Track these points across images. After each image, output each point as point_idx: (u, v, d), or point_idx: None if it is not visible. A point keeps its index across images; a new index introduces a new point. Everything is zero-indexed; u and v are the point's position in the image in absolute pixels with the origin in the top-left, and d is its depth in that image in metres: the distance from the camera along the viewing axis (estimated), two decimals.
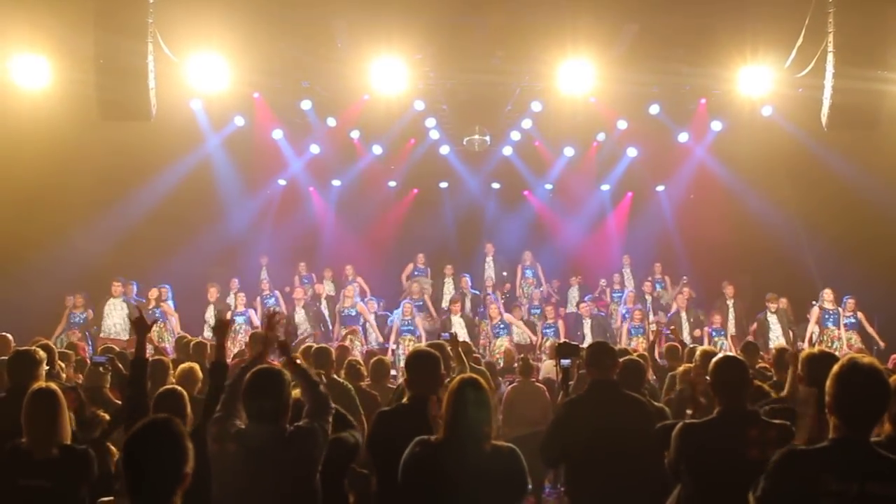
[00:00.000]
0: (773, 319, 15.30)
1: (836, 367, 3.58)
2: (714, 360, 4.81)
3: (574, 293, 17.72)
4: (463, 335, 14.67)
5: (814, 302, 15.19)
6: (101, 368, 6.97)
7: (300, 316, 15.76)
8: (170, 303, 15.74)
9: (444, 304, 17.01)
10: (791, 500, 3.45)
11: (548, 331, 15.68)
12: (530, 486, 4.76)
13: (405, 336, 15.39)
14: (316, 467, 4.59)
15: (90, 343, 14.38)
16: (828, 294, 15.11)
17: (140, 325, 5.66)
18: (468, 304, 16.77)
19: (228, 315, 15.34)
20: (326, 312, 16.07)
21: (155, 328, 14.55)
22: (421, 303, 16.60)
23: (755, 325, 15.60)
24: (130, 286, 15.89)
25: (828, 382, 3.57)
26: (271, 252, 18.14)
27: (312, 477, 4.58)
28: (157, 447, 3.23)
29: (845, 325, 14.94)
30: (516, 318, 15.91)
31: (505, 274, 18.20)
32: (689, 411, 5.24)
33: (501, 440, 4.52)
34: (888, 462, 3.42)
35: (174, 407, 5.11)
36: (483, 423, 4.29)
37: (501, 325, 15.40)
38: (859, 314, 15.01)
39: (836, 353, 6.24)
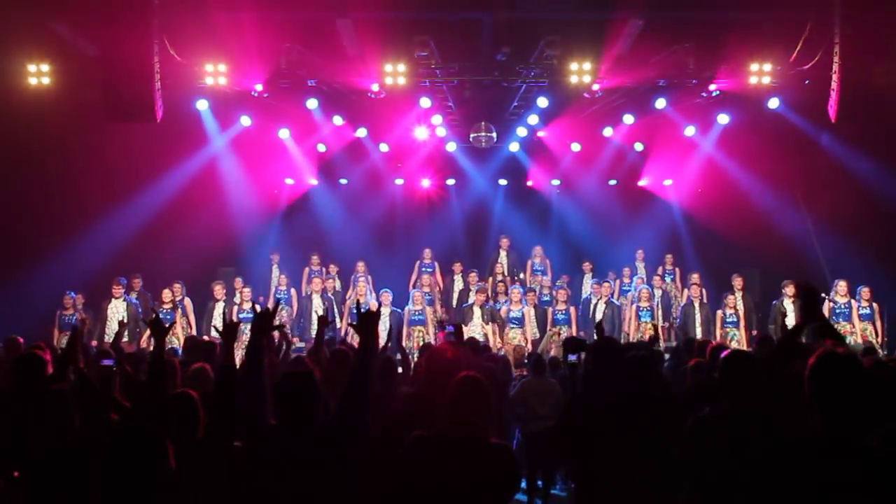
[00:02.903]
0: (790, 308, 15.04)
1: (812, 360, 3.56)
2: (723, 355, 4.78)
3: (587, 280, 17.67)
4: (479, 330, 14.71)
5: (823, 295, 15.07)
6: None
7: (316, 303, 15.79)
8: (188, 299, 15.80)
9: (454, 302, 16.99)
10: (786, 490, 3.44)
11: (559, 317, 15.64)
12: (523, 484, 4.78)
13: (415, 327, 15.40)
14: (353, 466, 4.52)
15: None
16: (841, 287, 14.90)
17: (157, 328, 5.61)
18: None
19: (234, 313, 15.39)
20: (335, 307, 16.06)
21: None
22: (430, 297, 16.55)
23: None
24: (137, 280, 15.93)
25: (806, 374, 3.55)
26: (279, 251, 18.13)
27: (350, 475, 4.52)
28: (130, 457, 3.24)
29: (860, 315, 14.83)
30: (530, 302, 15.90)
31: (515, 270, 18.18)
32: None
33: (500, 437, 4.54)
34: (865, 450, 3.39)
35: (187, 410, 5.07)
36: (479, 421, 4.32)
37: (518, 316, 15.41)
38: (875, 305, 14.93)
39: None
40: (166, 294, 15.37)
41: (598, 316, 15.66)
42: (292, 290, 16.75)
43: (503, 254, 18.08)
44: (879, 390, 4.21)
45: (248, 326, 14.35)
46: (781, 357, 4.55)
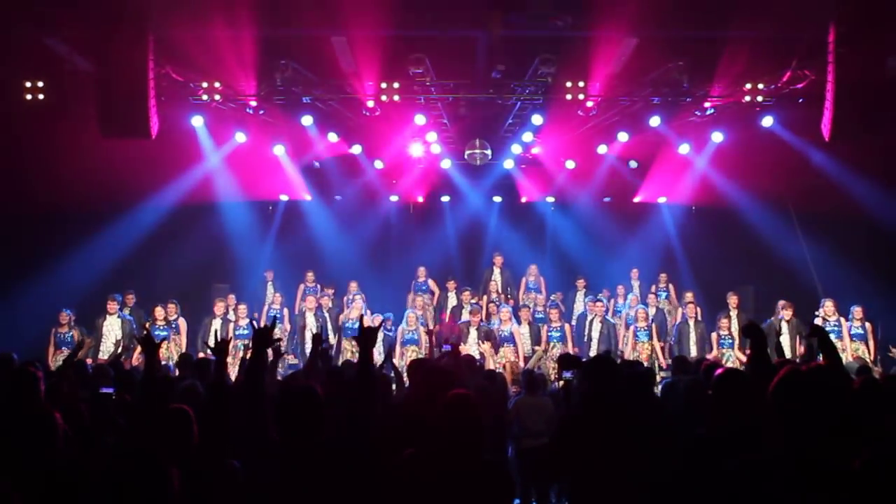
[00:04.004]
0: (785, 328, 15.09)
1: (775, 379, 3.54)
2: (716, 374, 4.79)
3: (580, 297, 17.71)
4: (475, 349, 14.69)
5: (816, 314, 15.09)
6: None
7: (310, 321, 15.78)
8: (182, 319, 15.76)
9: (446, 319, 17.00)
10: None
11: (553, 334, 15.69)
12: (517, 501, 4.77)
13: (408, 346, 15.37)
14: (359, 480, 4.48)
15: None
16: (828, 307, 14.94)
17: (148, 344, 5.61)
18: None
19: (230, 330, 15.38)
20: (329, 325, 16.06)
21: (164, 346, 14.61)
22: (423, 320, 16.51)
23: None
24: (130, 296, 15.90)
25: (769, 393, 3.52)
26: (273, 267, 18.13)
27: (356, 490, 4.47)
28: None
29: (851, 335, 14.82)
30: (524, 318, 15.90)
31: (509, 288, 18.18)
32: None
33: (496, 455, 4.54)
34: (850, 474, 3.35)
35: (181, 427, 5.04)
36: (470, 439, 4.31)
37: (507, 335, 15.39)
38: (867, 325, 14.90)
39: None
40: (159, 312, 15.36)
41: (595, 334, 15.67)
42: (285, 310, 16.72)
43: (497, 271, 18.08)
44: (866, 409, 4.18)
45: (244, 343, 14.43)
46: (759, 377, 4.57)
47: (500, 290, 17.61)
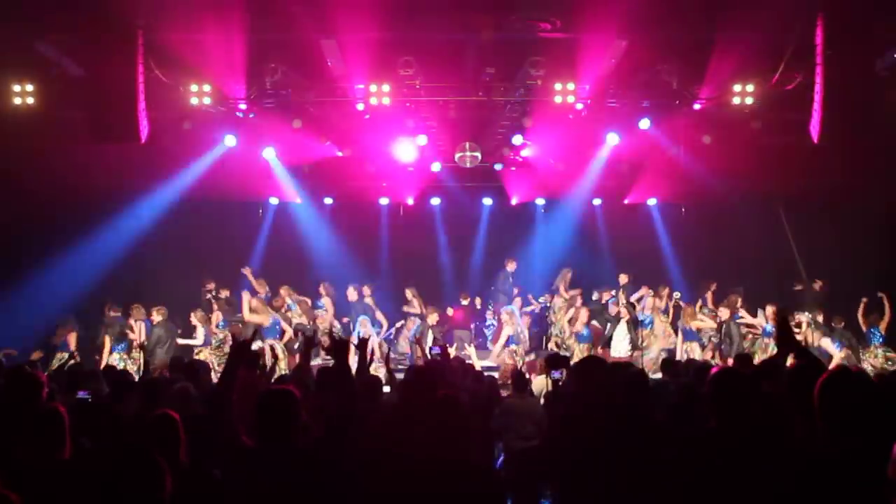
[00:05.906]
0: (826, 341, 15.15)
1: (823, 376, 3.59)
2: (712, 373, 4.78)
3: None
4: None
5: (807, 314, 15.16)
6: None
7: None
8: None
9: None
10: None
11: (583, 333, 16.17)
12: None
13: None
14: (337, 489, 4.44)
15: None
16: (769, 312, 15.16)
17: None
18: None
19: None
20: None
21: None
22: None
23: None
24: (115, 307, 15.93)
25: (816, 390, 3.57)
26: (262, 271, 18.12)
27: (333, 499, 4.43)
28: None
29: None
30: (524, 324, 16.09)
31: (516, 291, 18.25)
32: None
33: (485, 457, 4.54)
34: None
35: (167, 431, 5.01)
36: (457, 442, 4.30)
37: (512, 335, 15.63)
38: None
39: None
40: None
41: (624, 337, 15.75)
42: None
43: (509, 276, 18.10)
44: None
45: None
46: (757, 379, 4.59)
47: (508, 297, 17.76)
